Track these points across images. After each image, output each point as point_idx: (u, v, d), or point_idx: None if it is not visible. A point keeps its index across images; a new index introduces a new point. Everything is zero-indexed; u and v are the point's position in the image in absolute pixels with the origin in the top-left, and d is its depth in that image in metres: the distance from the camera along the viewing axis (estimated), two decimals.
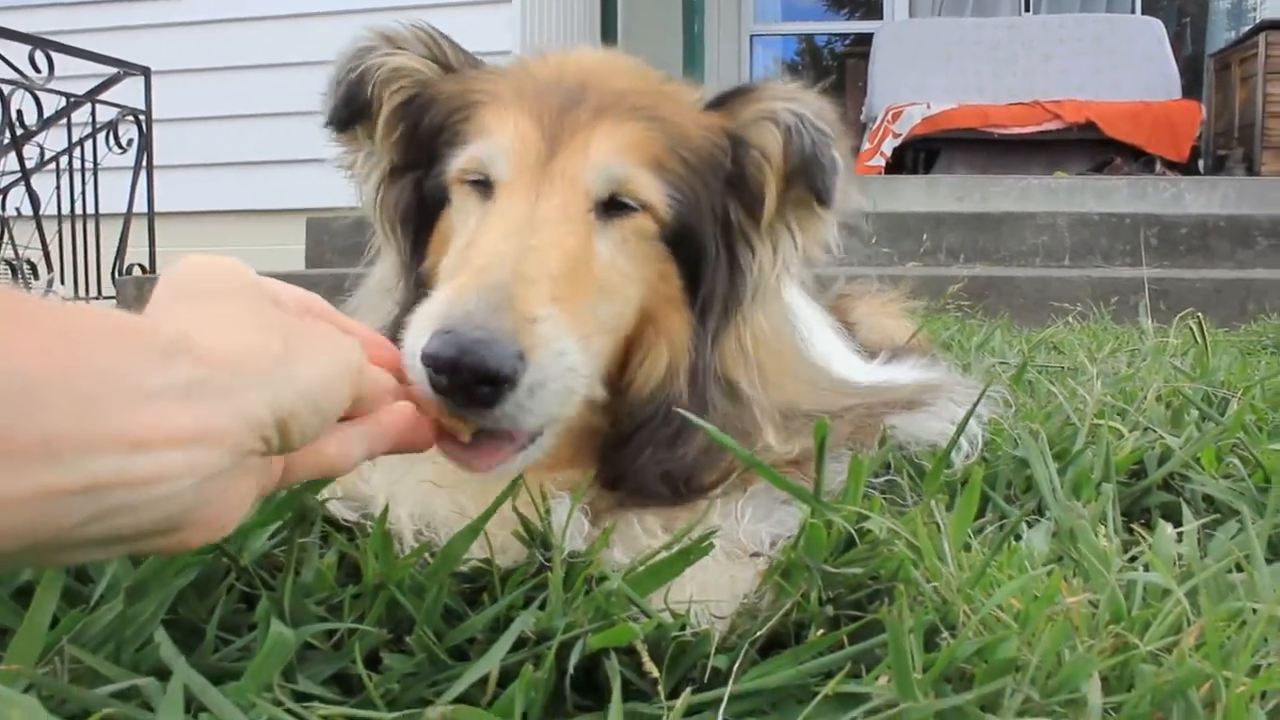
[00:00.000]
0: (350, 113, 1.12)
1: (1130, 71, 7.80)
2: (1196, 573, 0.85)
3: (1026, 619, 0.78)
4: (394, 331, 1.03)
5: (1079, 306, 3.78)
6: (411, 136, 1.11)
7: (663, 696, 0.73)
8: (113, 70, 5.05)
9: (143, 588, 0.78)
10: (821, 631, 0.79)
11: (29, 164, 4.69)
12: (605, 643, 0.76)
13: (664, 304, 1.06)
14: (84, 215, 5.06)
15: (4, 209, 4.76)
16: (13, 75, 4.44)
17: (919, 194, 6.28)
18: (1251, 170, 7.21)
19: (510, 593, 0.85)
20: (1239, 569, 0.91)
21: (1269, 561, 0.93)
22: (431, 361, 0.80)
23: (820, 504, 0.89)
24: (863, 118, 8.20)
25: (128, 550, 0.58)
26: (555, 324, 0.86)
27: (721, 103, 1.10)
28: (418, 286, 1.10)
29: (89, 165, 5.07)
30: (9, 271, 4.59)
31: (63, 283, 4.87)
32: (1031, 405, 1.67)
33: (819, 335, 1.45)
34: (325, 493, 1.00)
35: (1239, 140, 7.51)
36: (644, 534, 1.01)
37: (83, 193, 5.04)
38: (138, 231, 5.33)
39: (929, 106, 7.52)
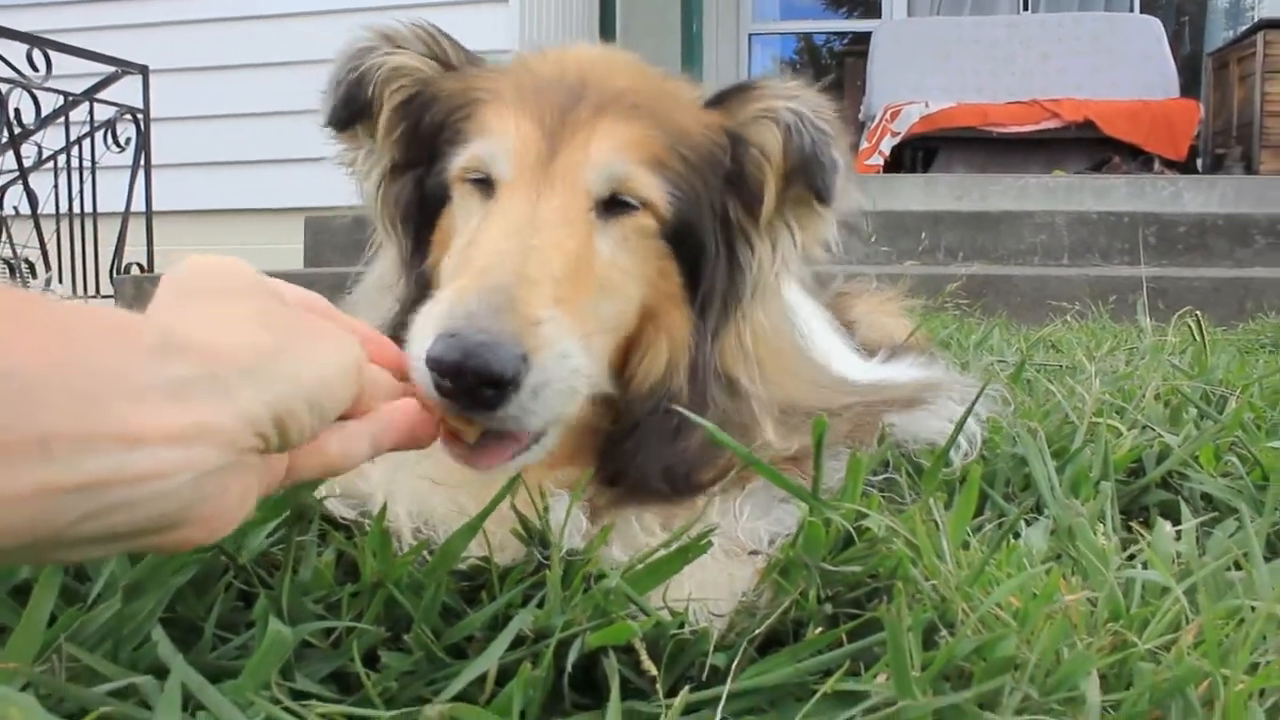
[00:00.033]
0: (350, 113, 1.12)
1: (1128, 70, 7.80)
2: (1195, 571, 0.85)
3: (1025, 617, 0.78)
4: (395, 329, 1.03)
5: (1077, 305, 3.78)
6: (412, 134, 1.11)
7: (661, 695, 0.73)
8: (110, 69, 5.04)
9: (140, 586, 0.78)
10: (820, 629, 0.79)
11: (27, 163, 4.68)
12: (603, 641, 0.76)
13: (664, 301, 1.06)
14: (82, 214, 5.06)
15: (2, 208, 4.75)
16: (10, 74, 4.44)
17: (917, 193, 6.28)
18: (1250, 169, 7.21)
19: (508, 591, 0.85)
20: (1237, 567, 0.91)
21: (1267, 559, 0.93)
22: (435, 365, 0.80)
23: (819, 502, 0.89)
24: (861, 116, 8.20)
25: (126, 548, 0.58)
26: (558, 325, 0.86)
27: (721, 100, 1.10)
28: (419, 285, 1.10)
29: (87, 164, 5.06)
30: (7, 270, 4.59)
31: (60, 282, 4.87)
32: (1030, 404, 1.67)
33: (818, 333, 1.45)
34: (323, 490, 0.99)
35: (1237, 139, 7.51)
36: (642, 532, 1.01)
37: (80, 192, 5.04)
38: (136, 230, 5.33)
39: (927, 105, 7.52)
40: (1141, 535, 1.01)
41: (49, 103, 4.70)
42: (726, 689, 0.72)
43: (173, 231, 5.55)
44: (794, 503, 1.01)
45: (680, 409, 0.97)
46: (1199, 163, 7.94)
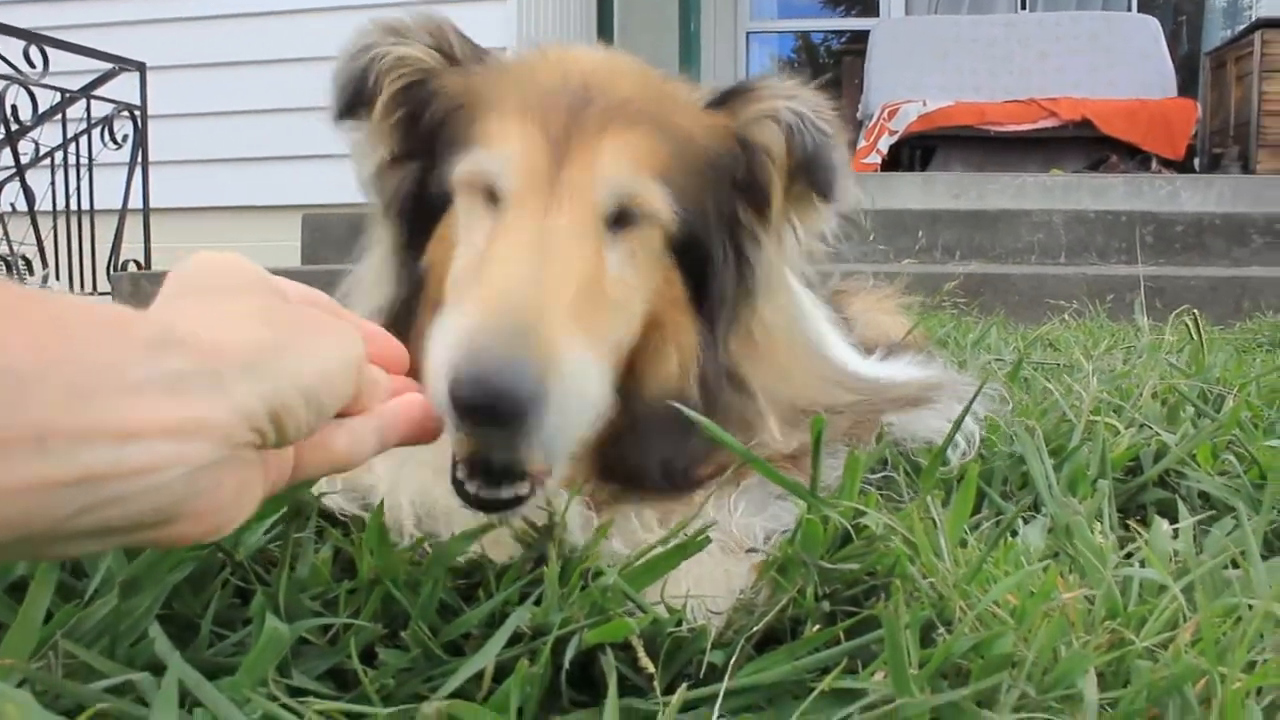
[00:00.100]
0: (354, 103, 1.11)
1: (1126, 69, 7.81)
2: (1192, 569, 0.85)
3: (1022, 615, 0.78)
4: (389, 321, 1.02)
5: (1075, 304, 3.78)
6: (411, 124, 1.10)
7: (658, 692, 0.74)
8: (108, 66, 5.04)
9: (137, 583, 0.78)
10: (817, 627, 0.79)
11: (24, 159, 4.67)
12: (601, 638, 0.75)
13: (670, 308, 1.05)
14: (79, 211, 5.05)
15: None
16: (7, 70, 4.43)
17: (915, 191, 6.28)
18: (1247, 168, 7.22)
19: (506, 588, 0.85)
20: (1235, 565, 0.91)
21: (1264, 558, 0.93)
22: (456, 404, 0.79)
23: (817, 499, 0.89)
24: (859, 115, 8.20)
25: (120, 542, 0.58)
26: (575, 356, 0.85)
27: (723, 102, 1.10)
28: (413, 282, 1.09)
29: (84, 161, 5.06)
30: (4, 267, 4.58)
31: (57, 279, 4.86)
32: (1027, 402, 1.67)
33: (820, 328, 1.45)
34: (325, 485, 0.99)
35: (1235, 138, 7.52)
36: (641, 528, 1.00)
37: (78, 188, 5.04)
38: (133, 227, 5.32)
39: (925, 104, 7.52)
40: (1139, 533, 1.01)
41: (46, 99, 4.69)
42: (724, 686, 0.72)
43: (170, 228, 5.54)
44: (790, 500, 1.01)
45: (683, 408, 0.96)
46: (1196, 162, 7.94)
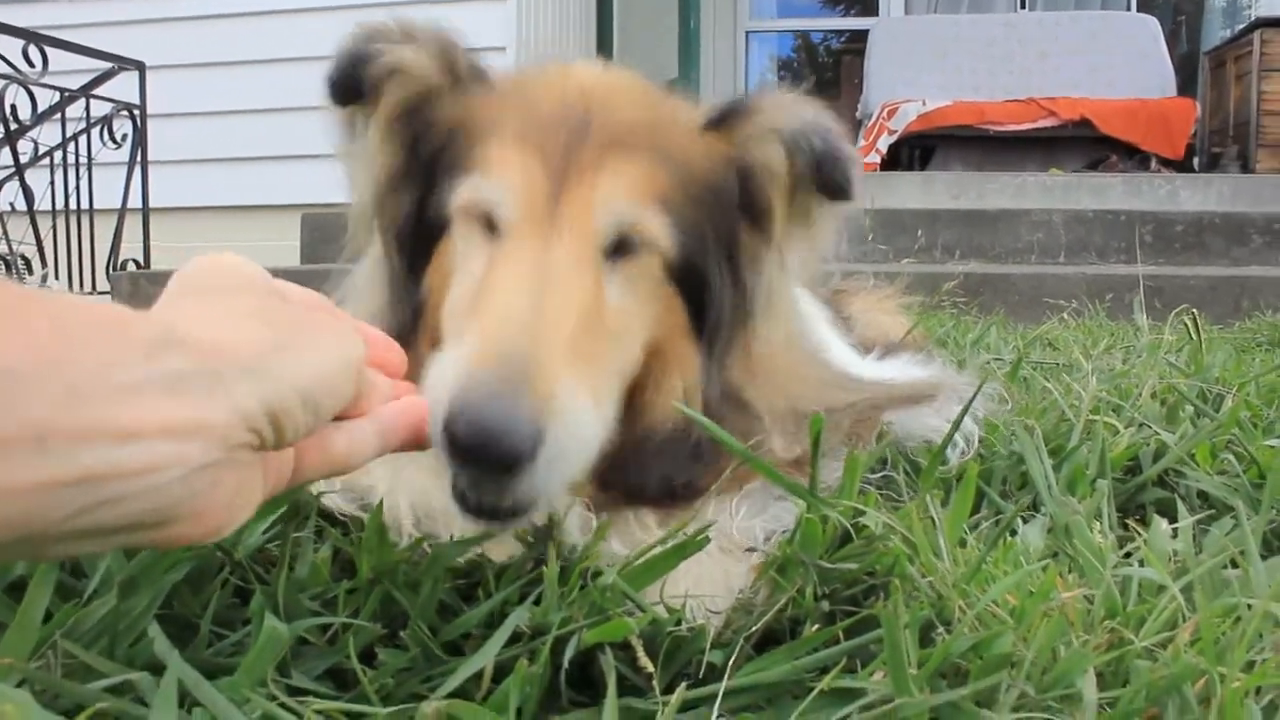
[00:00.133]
0: (351, 89, 1.09)
1: (1125, 69, 7.81)
2: (1191, 569, 0.85)
3: (1022, 614, 0.78)
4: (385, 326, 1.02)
5: (1074, 303, 3.78)
6: (412, 149, 1.08)
7: (658, 692, 0.74)
8: (107, 65, 5.03)
9: (136, 582, 0.78)
10: (817, 627, 0.79)
11: (23, 159, 4.67)
12: (600, 638, 0.75)
13: (671, 335, 1.05)
14: (78, 211, 5.04)
15: None
16: (6, 70, 4.43)
17: (914, 191, 6.29)
18: (1246, 168, 7.22)
19: (505, 588, 0.85)
20: (1234, 565, 0.91)
21: (1264, 557, 0.93)
22: (452, 446, 0.79)
23: (816, 499, 0.89)
24: (858, 115, 8.20)
25: (118, 543, 0.58)
26: (572, 395, 0.85)
27: (721, 121, 1.08)
28: (414, 312, 1.08)
29: (83, 160, 5.05)
30: (3, 267, 4.58)
31: (57, 278, 4.86)
32: (1027, 402, 1.67)
33: (819, 330, 1.45)
34: (324, 484, 0.99)
35: (1234, 138, 7.52)
36: (640, 529, 1.00)
37: (77, 188, 5.03)
38: (132, 227, 5.32)
39: (924, 103, 7.52)
40: (1138, 533, 1.01)
41: (45, 99, 4.69)
42: (723, 686, 0.72)
43: (169, 228, 5.54)
44: (790, 500, 1.01)
45: (694, 414, 0.96)
46: (1195, 161, 7.94)
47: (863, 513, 0.90)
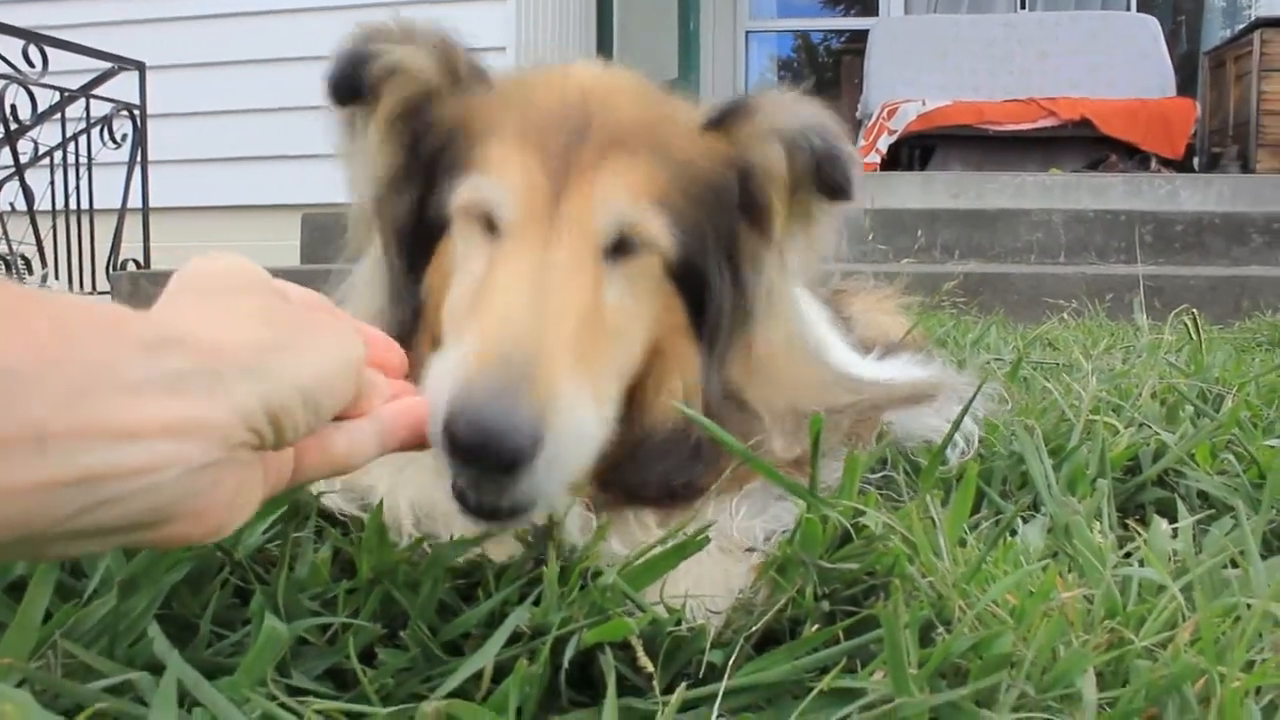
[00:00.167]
0: (352, 87, 1.08)
1: (1125, 69, 7.81)
2: (1191, 568, 0.85)
3: (1022, 614, 0.78)
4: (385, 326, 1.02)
5: (1074, 303, 3.78)
6: (412, 151, 1.08)
7: (658, 692, 0.74)
8: (107, 65, 5.03)
9: (136, 582, 0.78)
10: (817, 627, 0.79)
11: (23, 159, 4.67)
12: (600, 638, 0.75)
13: (672, 334, 1.05)
14: (78, 210, 5.04)
15: None
16: (6, 70, 4.43)
17: (914, 190, 6.29)
18: (1246, 168, 7.22)
19: (505, 588, 0.85)
20: (1234, 564, 0.91)
21: (1263, 557, 0.93)
22: (452, 447, 0.79)
23: (816, 499, 0.89)
24: (858, 114, 8.20)
25: (119, 543, 0.58)
26: (573, 396, 0.85)
27: (720, 121, 1.08)
28: (414, 313, 1.08)
29: (83, 160, 5.05)
30: (3, 267, 4.58)
31: (57, 278, 4.86)
32: (1027, 401, 1.67)
33: (819, 330, 1.44)
34: (324, 484, 0.99)
35: (1234, 138, 7.52)
36: (639, 529, 1.00)
37: (77, 188, 5.03)
38: (132, 227, 5.32)
39: (924, 103, 7.52)
40: (1138, 533, 1.01)
41: (45, 99, 4.69)
42: (723, 686, 0.72)
43: (169, 228, 5.54)
44: (791, 500, 1.00)
45: (695, 415, 0.96)
46: (1195, 161, 7.94)
47: (863, 513, 0.90)
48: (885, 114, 7.62)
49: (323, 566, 0.86)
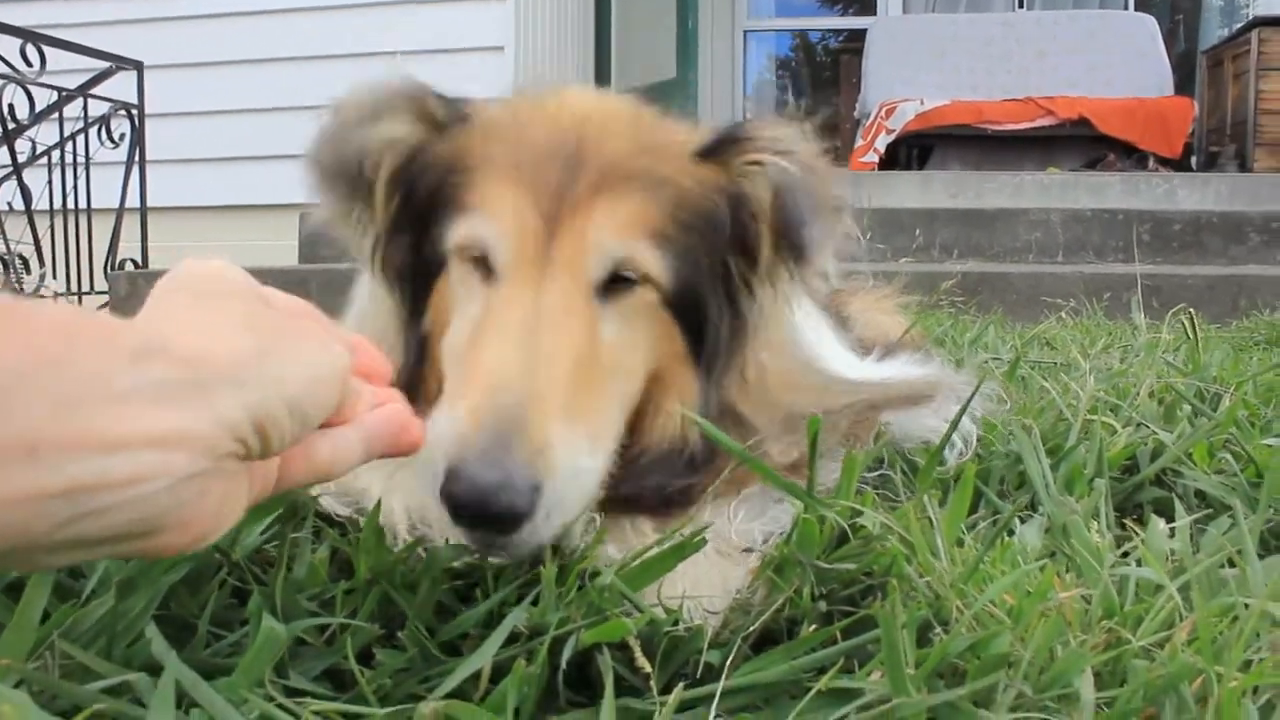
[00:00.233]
0: (339, 188, 1.09)
1: (1123, 68, 7.81)
2: (1189, 568, 0.85)
3: (1019, 614, 0.78)
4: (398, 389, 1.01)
5: (1072, 302, 3.78)
6: (406, 202, 1.08)
7: (655, 692, 0.74)
8: (105, 65, 5.02)
9: (133, 583, 0.78)
10: (814, 627, 0.79)
11: (20, 158, 4.66)
12: (598, 638, 0.76)
13: (670, 362, 1.05)
14: (76, 210, 5.03)
15: None
16: (4, 69, 4.42)
17: (913, 190, 6.28)
18: (1244, 167, 7.22)
19: (503, 589, 0.85)
20: (1231, 564, 0.91)
21: (1261, 556, 0.93)
22: (452, 510, 0.82)
23: (813, 500, 0.89)
24: (856, 114, 8.21)
25: (105, 554, 0.58)
26: (567, 438, 0.86)
27: (714, 150, 1.07)
28: (420, 347, 1.08)
29: (81, 160, 5.04)
30: (1, 266, 4.57)
31: (54, 278, 4.85)
32: (1024, 401, 1.67)
33: (817, 332, 1.44)
34: (319, 487, 0.99)
35: (1231, 137, 7.52)
36: (636, 536, 1.00)
37: (74, 188, 5.02)
38: (130, 227, 5.31)
39: (922, 103, 7.52)
40: (1136, 532, 1.01)
41: (43, 98, 4.68)
42: (720, 686, 0.72)
43: (167, 228, 5.54)
44: (789, 502, 1.01)
45: (702, 421, 0.97)
46: (1193, 160, 7.94)
47: (860, 513, 0.90)
48: (883, 113, 7.62)
49: (320, 567, 0.86)
